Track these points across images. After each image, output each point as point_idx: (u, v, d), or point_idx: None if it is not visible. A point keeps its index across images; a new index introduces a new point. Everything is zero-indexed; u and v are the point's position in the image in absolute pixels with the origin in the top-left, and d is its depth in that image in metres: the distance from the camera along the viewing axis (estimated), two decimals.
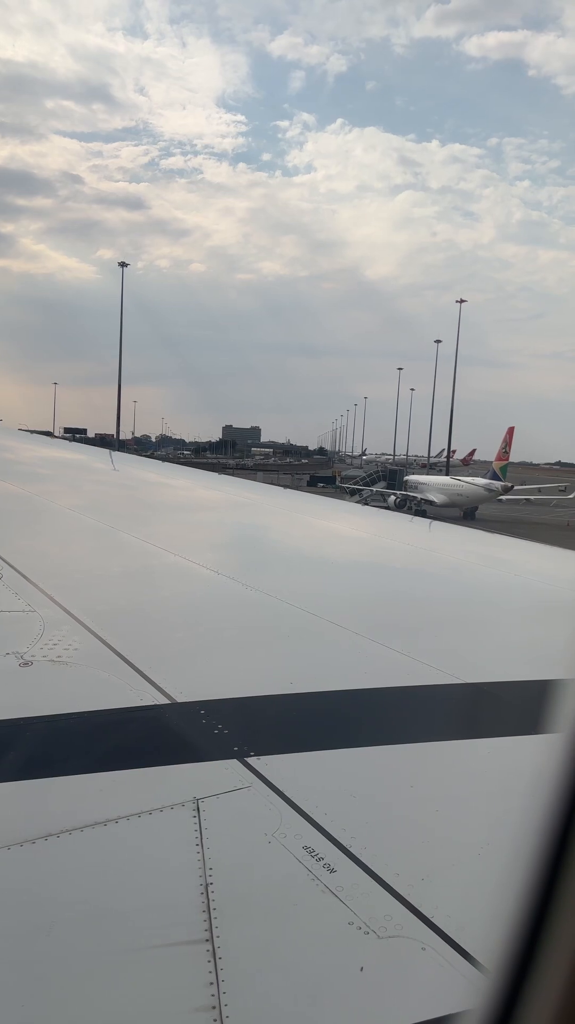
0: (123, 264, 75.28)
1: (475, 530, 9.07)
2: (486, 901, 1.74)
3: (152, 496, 9.71)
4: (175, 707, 2.58)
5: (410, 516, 11.14)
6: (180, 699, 2.64)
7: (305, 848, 1.83)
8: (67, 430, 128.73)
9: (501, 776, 2.41)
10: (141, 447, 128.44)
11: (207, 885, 1.68)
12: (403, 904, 1.66)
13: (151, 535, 5.96)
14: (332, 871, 1.75)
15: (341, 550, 7.07)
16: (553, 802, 0.77)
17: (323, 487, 60.77)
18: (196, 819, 1.92)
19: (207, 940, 1.51)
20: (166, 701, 2.61)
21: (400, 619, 4.31)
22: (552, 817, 0.77)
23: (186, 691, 2.70)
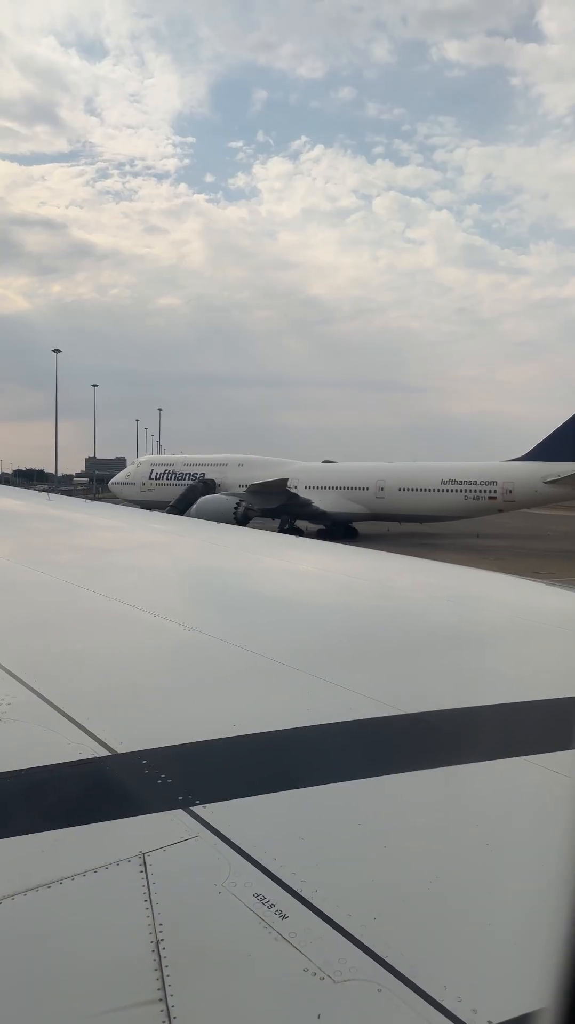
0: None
1: (406, 556, 8.99)
2: (438, 935, 1.71)
3: (71, 535, 9.43)
4: (116, 759, 2.53)
5: (339, 544, 10.96)
6: (121, 750, 2.59)
7: (256, 896, 1.81)
8: None
9: (445, 806, 2.44)
10: None
11: (158, 942, 1.64)
12: (356, 946, 1.65)
13: (76, 577, 5.74)
14: (284, 917, 1.73)
15: (276, 583, 6.91)
16: None
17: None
18: (143, 874, 1.89)
19: (161, 1000, 1.49)
20: (106, 753, 2.56)
21: (338, 652, 4.25)
22: None
23: (127, 741, 2.65)
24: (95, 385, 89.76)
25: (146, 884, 1.83)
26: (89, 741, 2.61)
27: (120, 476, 57.69)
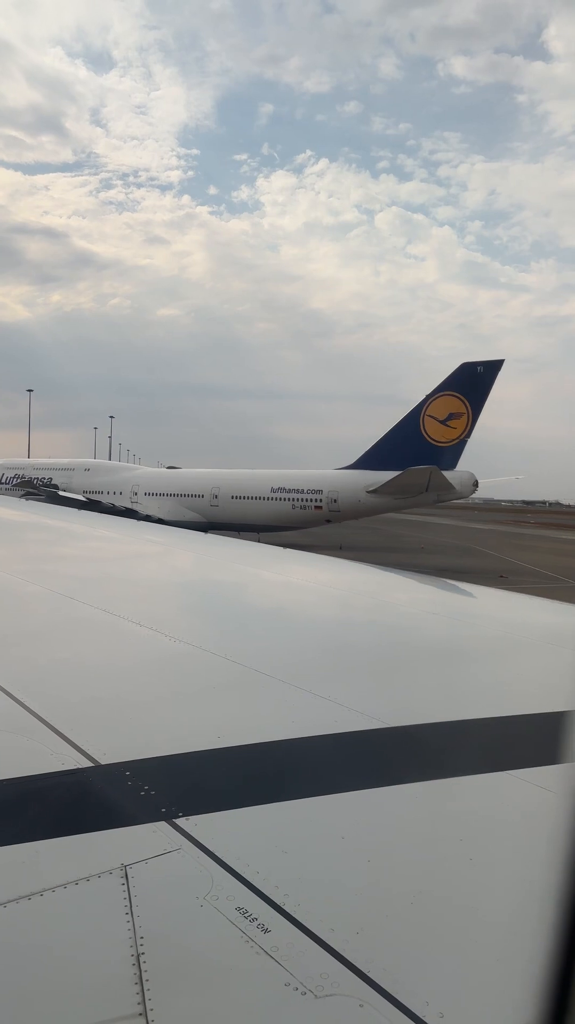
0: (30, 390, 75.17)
1: (397, 570, 9.04)
2: (421, 950, 1.72)
3: (58, 545, 9.35)
4: (99, 770, 2.49)
5: (330, 558, 10.24)
6: (104, 761, 2.54)
7: (238, 909, 1.79)
8: None
9: (429, 820, 2.41)
10: None
11: (139, 955, 1.63)
12: (339, 960, 1.63)
13: (61, 587, 5.69)
14: (266, 931, 1.71)
15: (264, 595, 6.86)
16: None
17: None
18: (125, 887, 1.86)
19: (141, 1015, 1.48)
20: (89, 764, 2.52)
21: (324, 664, 4.22)
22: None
23: (110, 752, 2.61)
24: (30, 390, 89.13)
25: (127, 897, 1.82)
26: (72, 752, 2.59)
27: None
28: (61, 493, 43.81)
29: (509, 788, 2.57)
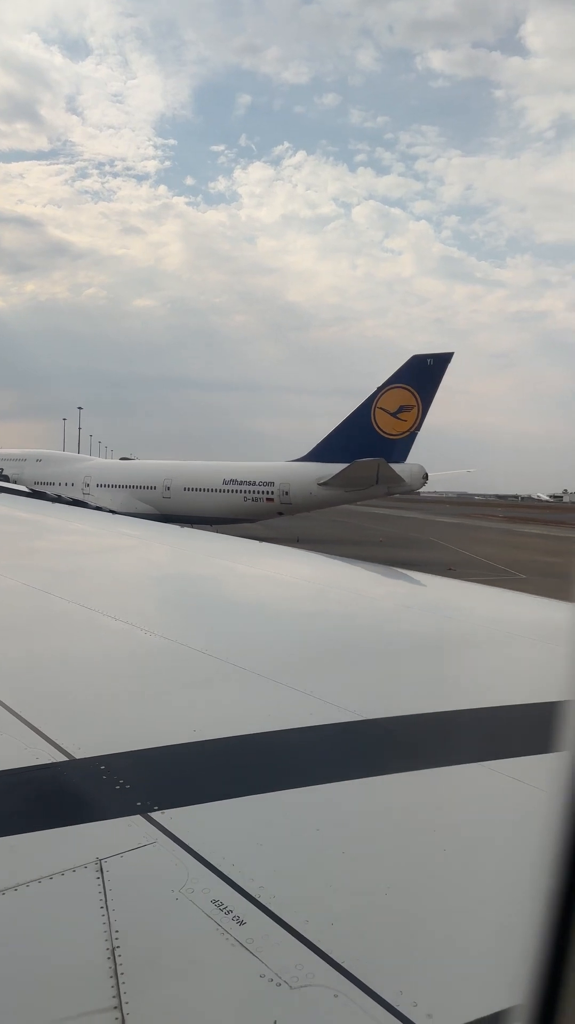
0: None
1: (378, 564, 8.89)
2: (396, 941, 1.75)
3: (34, 538, 9.21)
4: (73, 764, 2.48)
5: (311, 552, 10.96)
6: (78, 755, 2.54)
7: (213, 902, 1.79)
8: None
9: (404, 812, 2.43)
10: None
11: (113, 949, 1.63)
12: (314, 951, 1.64)
13: (37, 581, 5.59)
14: (242, 923, 1.71)
15: (241, 588, 6.81)
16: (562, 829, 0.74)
17: None
18: (100, 880, 1.85)
19: (115, 1007, 1.48)
20: (63, 758, 2.51)
21: (303, 658, 4.23)
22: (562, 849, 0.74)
23: (84, 746, 2.60)
24: None
25: (102, 890, 1.82)
26: (46, 746, 2.58)
27: None
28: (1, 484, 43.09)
29: (483, 780, 2.59)
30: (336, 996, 1.52)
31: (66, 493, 45.30)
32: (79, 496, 44.47)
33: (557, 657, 3.92)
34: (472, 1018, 1.47)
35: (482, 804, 2.49)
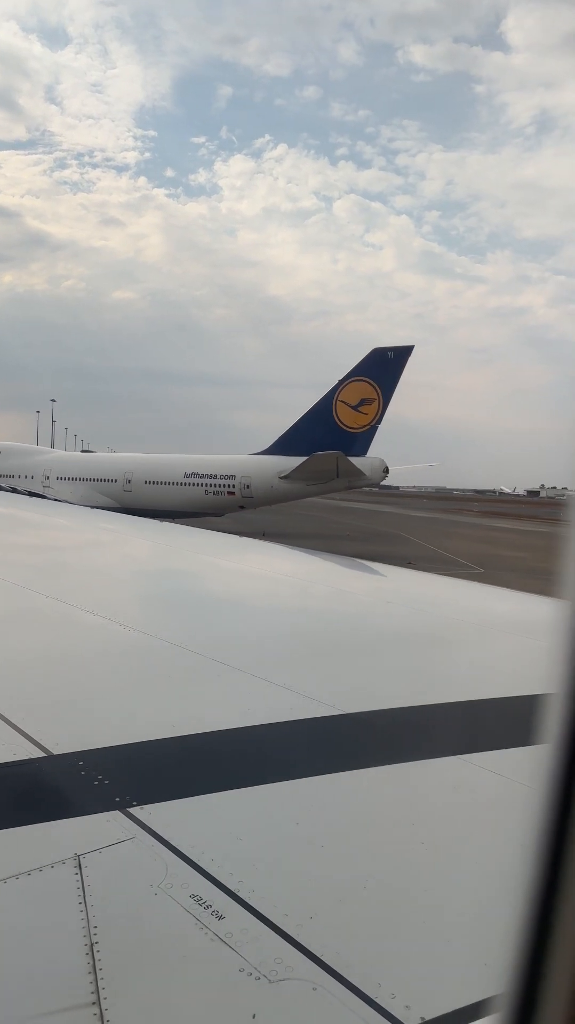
0: None
1: (357, 559, 8.98)
2: (374, 934, 1.76)
3: (12, 533, 9.20)
4: (51, 760, 2.44)
5: (290, 548, 10.83)
6: (56, 751, 2.49)
7: (192, 896, 1.78)
8: None
9: (381, 805, 2.44)
10: None
11: (92, 944, 1.61)
12: (293, 945, 1.65)
13: (15, 576, 5.58)
14: (221, 918, 1.71)
15: (218, 583, 6.84)
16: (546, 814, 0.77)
17: None
18: (78, 876, 1.84)
19: (94, 1003, 1.47)
20: (41, 754, 2.45)
21: (281, 653, 4.23)
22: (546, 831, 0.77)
23: (63, 742, 2.55)
24: None
25: (81, 886, 1.81)
26: (23, 742, 2.55)
27: None
28: None
29: (460, 773, 2.60)
30: (315, 989, 1.52)
31: (26, 486, 44.59)
32: (39, 489, 43.85)
33: (536, 651, 3.91)
34: (450, 1009, 1.47)
35: (460, 797, 2.50)
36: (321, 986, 1.53)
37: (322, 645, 4.51)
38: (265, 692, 3.31)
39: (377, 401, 39.32)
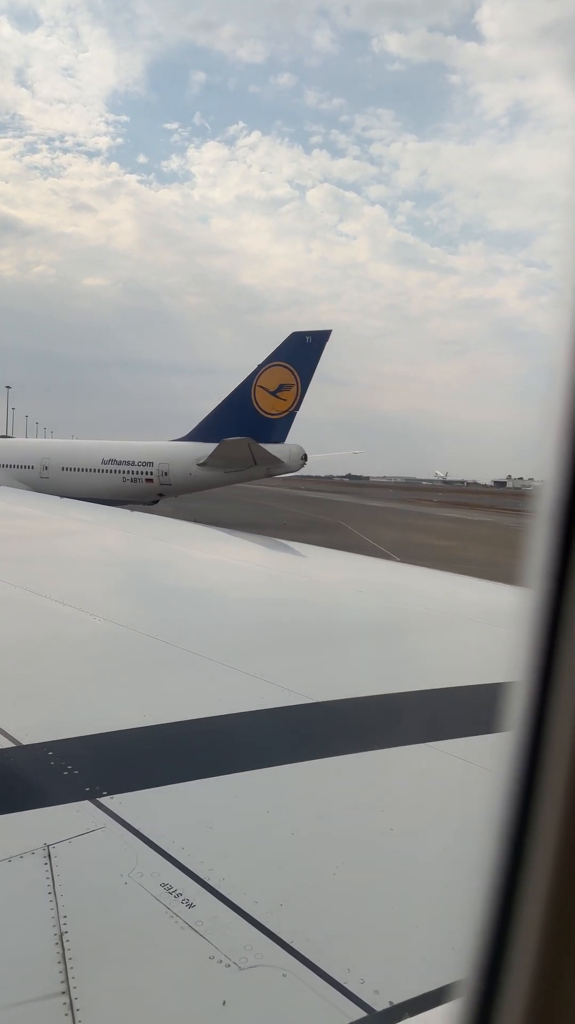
0: None
1: (330, 550, 9.00)
2: (343, 920, 1.76)
3: None
4: (20, 750, 2.43)
5: (263, 536, 10.73)
6: (25, 741, 2.48)
7: (163, 885, 1.79)
8: None
9: (351, 793, 2.43)
10: None
11: (62, 934, 1.62)
12: (263, 932, 1.66)
13: None
14: (191, 906, 1.73)
15: (189, 572, 6.88)
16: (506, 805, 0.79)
17: None
18: (47, 866, 1.84)
19: (63, 992, 1.47)
20: (10, 744, 2.46)
21: (252, 642, 4.22)
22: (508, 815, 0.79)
23: (31, 733, 2.54)
24: None
25: (50, 876, 1.81)
26: None
27: None
28: None
29: (429, 760, 2.61)
30: (284, 975, 1.53)
31: None
32: None
33: (500, 639, 3.92)
34: (418, 993, 1.48)
35: (427, 783, 2.50)
36: (291, 972, 1.54)
37: (292, 634, 4.53)
38: (236, 681, 3.31)
39: (295, 386, 38.45)
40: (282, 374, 38.51)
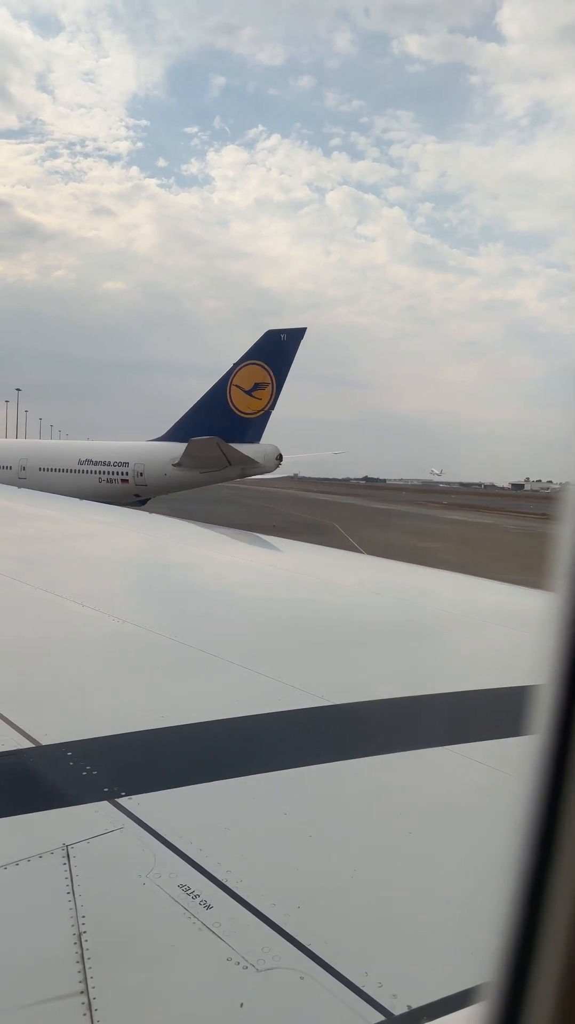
0: None
1: (347, 552, 9.12)
2: (361, 923, 1.74)
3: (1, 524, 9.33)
4: (39, 750, 2.43)
5: (279, 539, 10.58)
6: (45, 742, 2.48)
7: (180, 886, 1.78)
8: None
9: (369, 796, 2.41)
10: None
11: (80, 934, 1.62)
12: (280, 934, 1.64)
13: (4, 567, 5.55)
14: (208, 907, 1.71)
15: (210, 575, 6.86)
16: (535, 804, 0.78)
17: None
18: (66, 866, 1.84)
19: (82, 992, 1.48)
20: (30, 745, 2.45)
21: (270, 644, 4.24)
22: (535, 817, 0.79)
23: (51, 733, 2.54)
24: None
25: (69, 876, 1.82)
26: (11, 732, 2.54)
27: None
28: None
29: (449, 763, 2.58)
30: (302, 978, 1.53)
31: None
32: None
33: (525, 642, 3.89)
34: (436, 998, 1.47)
35: (448, 788, 2.48)
36: (308, 975, 1.54)
37: (309, 636, 4.50)
38: (255, 683, 3.31)
39: (270, 385, 37.73)
40: (257, 373, 37.82)
